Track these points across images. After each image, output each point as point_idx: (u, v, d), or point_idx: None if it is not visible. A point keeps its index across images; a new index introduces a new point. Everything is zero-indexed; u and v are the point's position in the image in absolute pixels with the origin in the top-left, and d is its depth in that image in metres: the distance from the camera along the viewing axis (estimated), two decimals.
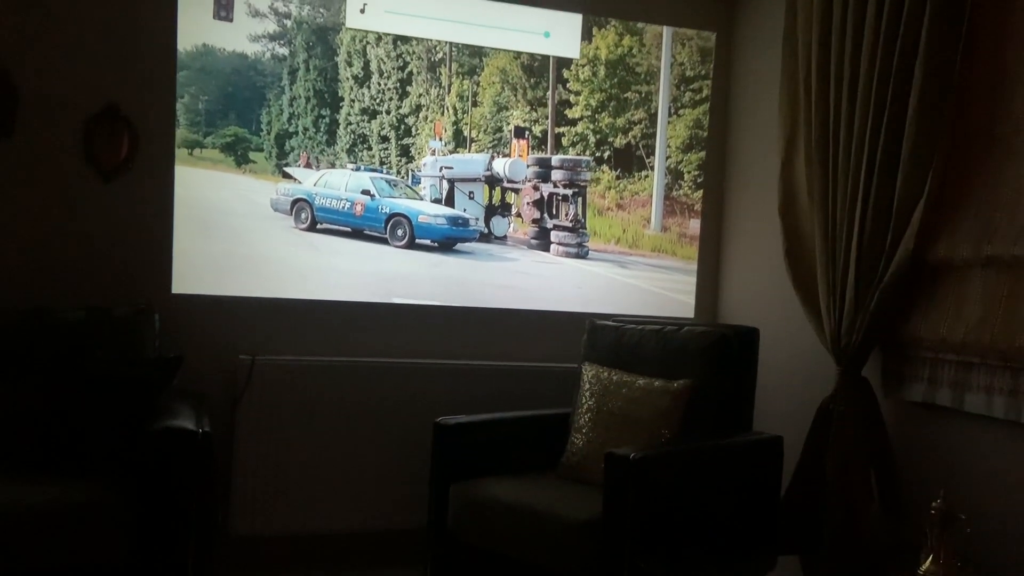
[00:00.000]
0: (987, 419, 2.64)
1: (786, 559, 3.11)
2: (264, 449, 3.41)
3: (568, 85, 3.95)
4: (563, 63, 3.94)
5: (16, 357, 2.87)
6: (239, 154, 3.66)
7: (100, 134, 3.33)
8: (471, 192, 3.89)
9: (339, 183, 3.78)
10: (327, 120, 3.76)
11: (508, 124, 3.92)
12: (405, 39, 3.80)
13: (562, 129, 3.96)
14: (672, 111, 4.05)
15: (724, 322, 3.99)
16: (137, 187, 3.39)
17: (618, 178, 4.02)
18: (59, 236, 3.31)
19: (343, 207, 3.79)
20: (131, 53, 3.37)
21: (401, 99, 3.82)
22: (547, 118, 3.95)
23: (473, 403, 3.37)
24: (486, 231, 3.92)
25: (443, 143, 3.86)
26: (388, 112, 3.82)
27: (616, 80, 4.00)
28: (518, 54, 3.89)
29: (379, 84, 3.81)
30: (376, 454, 3.54)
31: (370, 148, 3.82)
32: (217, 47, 3.59)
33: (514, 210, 3.95)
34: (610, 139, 4.00)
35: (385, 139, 3.83)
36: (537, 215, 3.95)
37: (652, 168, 4.05)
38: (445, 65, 3.86)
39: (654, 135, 4.04)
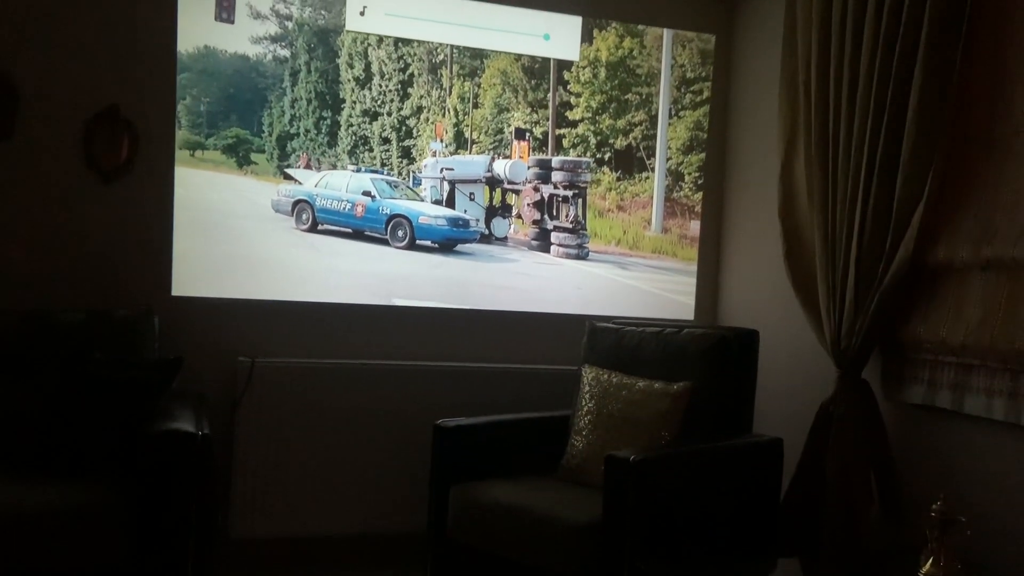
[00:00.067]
0: (987, 421, 2.64)
1: (786, 561, 3.11)
2: (264, 451, 3.42)
3: (569, 87, 3.95)
4: (564, 65, 3.94)
5: (16, 359, 2.88)
6: (240, 156, 3.67)
7: (100, 136, 3.34)
8: (472, 193, 3.89)
9: (340, 184, 3.79)
10: (328, 122, 3.76)
11: (509, 126, 3.92)
12: (406, 41, 3.80)
13: (563, 131, 3.96)
14: (673, 113, 4.05)
15: (724, 324, 3.99)
16: (137, 189, 3.40)
17: (619, 180, 4.02)
18: (59, 238, 3.32)
19: (344, 208, 3.79)
20: (131, 55, 3.38)
21: (402, 101, 3.83)
22: (548, 120, 3.95)
23: (473, 405, 3.37)
24: (487, 232, 3.92)
25: (444, 145, 3.86)
26: (389, 114, 3.82)
27: (617, 82, 4.00)
28: (519, 56, 3.89)
29: (380, 86, 3.81)
30: (376, 456, 3.54)
31: (371, 150, 3.82)
32: (219, 49, 3.59)
33: (514, 211, 3.95)
34: (611, 141, 4.00)
35: (386, 140, 3.83)
36: (537, 216, 3.95)
37: (653, 170, 4.05)
38: (446, 67, 3.86)
39: (655, 137, 4.04)
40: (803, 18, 3.19)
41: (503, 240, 3.94)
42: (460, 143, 3.88)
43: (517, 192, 3.94)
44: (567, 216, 3.96)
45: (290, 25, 3.67)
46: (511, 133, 3.92)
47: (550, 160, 3.94)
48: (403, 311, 3.74)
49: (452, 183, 3.87)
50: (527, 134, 3.92)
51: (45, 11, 3.29)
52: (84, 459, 2.72)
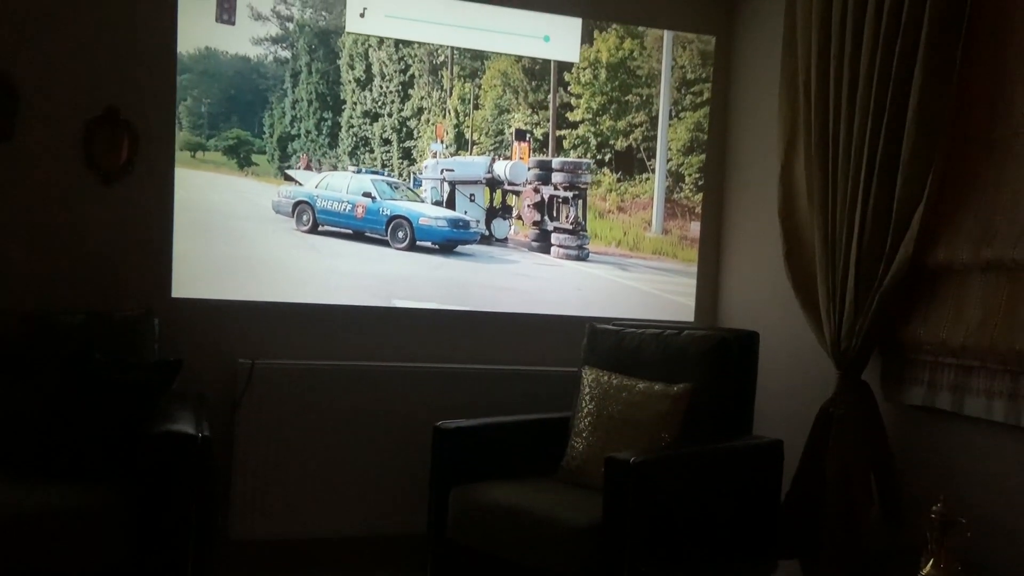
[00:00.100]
0: (987, 423, 2.64)
1: (786, 563, 3.10)
2: (264, 452, 3.42)
3: (569, 88, 3.95)
4: (564, 66, 3.94)
5: (16, 360, 2.88)
6: (241, 157, 3.67)
7: (100, 137, 3.34)
8: (472, 194, 3.89)
9: (340, 185, 3.79)
10: (329, 123, 3.77)
11: (509, 127, 3.92)
12: (407, 42, 3.80)
13: (563, 132, 3.96)
14: (673, 114, 4.05)
15: (724, 325, 3.99)
16: (137, 190, 3.40)
17: (619, 181, 4.02)
18: (59, 239, 3.32)
19: (344, 209, 3.79)
20: (132, 56, 3.38)
21: (403, 102, 3.83)
22: (548, 121, 3.95)
23: (473, 407, 3.37)
24: (487, 233, 3.92)
25: (444, 146, 3.86)
26: (390, 115, 3.82)
27: (617, 83, 4.00)
28: (519, 57, 3.89)
29: (381, 87, 3.81)
30: (376, 458, 3.54)
31: (372, 151, 3.82)
32: (220, 50, 3.60)
33: (515, 212, 3.95)
34: (611, 142, 4.00)
35: (387, 142, 3.83)
36: (538, 217, 3.95)
37: (653, 171, 4.05)
38: (447, 68, 3.86)
39: (655, 138, 4.03)
40: (803, 19, 3.19)
41: (503, 241, 3.94)
42: (461, 144, 3.88)
43: (517, 193, 3.94)
44: (567, 217, 3.96)
45: (291, 26, 3.67)
46: (511, 134, 3.92)
47: (550, 161, 3.94)
48: (403, 312, 3.74)
49: (452, 184, 3.87)
50: (527, 135, 3.93)
51: (46, 12, 3.29)
52: (84, 460, 2.72)
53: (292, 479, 3.46)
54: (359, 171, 3.80)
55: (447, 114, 3.87)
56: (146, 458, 2.62)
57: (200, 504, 2.67)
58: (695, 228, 4.07)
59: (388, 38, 3.78)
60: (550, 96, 3.94)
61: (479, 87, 3.89)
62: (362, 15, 3.68)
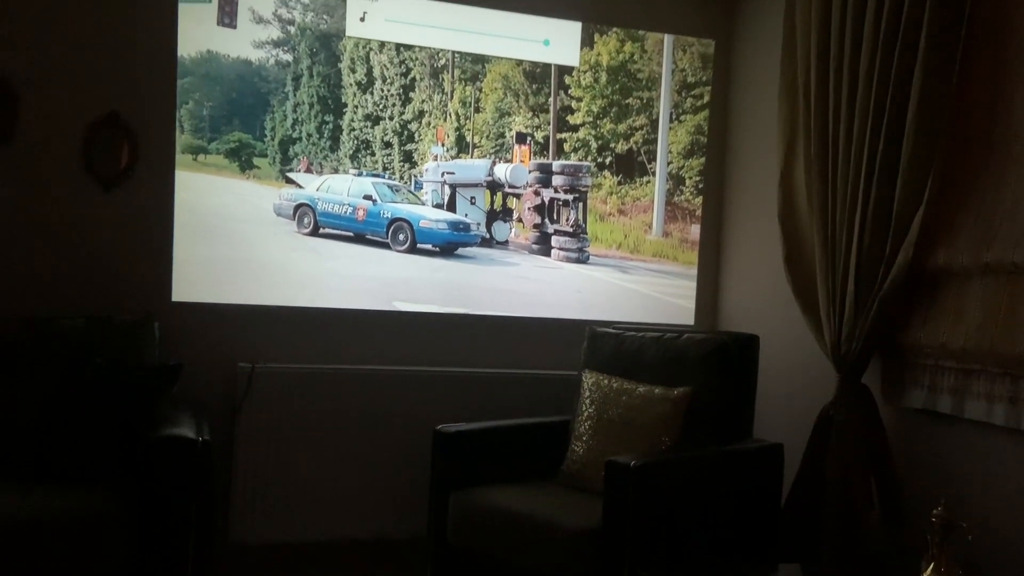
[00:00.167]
0: (987, 426, 2.64)
1: (787, 566, 3.10)
2: (264, 457, 3.42)
3: (570, 91, 3.95)
4: (565, 69, 3.94)
5: (16, 365, 2.87)
6: (243, 160, 3.67)
7: (100, 142, 3.34)
8: (473, 197, 3.90)
9: (342, 188, 3.79)
10: (331, 126, 3.77)
11: (510, 130, 3.93)
12: (408, 46, 3.80)
13: (564, 135, 3.96)
14: (674, 117, 4.05)
15: (724, 328, 3.99)
16: (137, 195, 3.40)
17: (620, 184, 4.02)
18: (59, 244, 3.32)
19: (345, 212, 3.79)
20: (132, 61, 3.39)
21: (404, 105, 3.83)
22: (549, 124, 3.95)
23: (473, 410, 3.38)
24: (488, 236, 3.92)
25: (445, 149, 3.86)
26: (391, 118, 3.83)
27: (618, 86, 4.01)
28: (520, 60, 3.89)
29: (382, 90, 3.82)
30: (376, 462, 3.54)
31: (373, 154, 3.83)
32: (221, 53, 3.60)
33: (515, 215, 3.96)
34: (612, 145, 4.00)
35: (388, 145, 3.83)
36: (538, 220, 3.96)
37: (654, 174, 4.05)
38: (448, 71, 3.86)
39: (656, 141, 4.03)
40: (802, 22, 3.19)
41: (504, 244, 3.94)
42: (462, 147, 3.89)
43: (518, 196, 3.94)
44: (568, 220, 3.96)
45: (292, 30, 3.68)
46: (512, 137, 3.93)
47: (550, 164, 3.94)
48: (403, 316, 3.74)
49: (453, 187, 3.87)
50: (528, 138, 3.93)
51: (46, 16, 3.29)
52: (84, 464, 2.72)
53: (292, 483, 3.46)
54: (360, 174, 3.81)
55: (448, 117, 3.87)
56: (146, 462, 2.62)
57: (200, 508, 2.67)
58: (696, 231, 4.07)
59: (389, 42, 3.78)
60: (551, 99, 3.95)
61: (480, 90, 3.89)
62: (362, 19, 3.68)
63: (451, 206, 3.88)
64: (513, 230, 3.96)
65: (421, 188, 3.86)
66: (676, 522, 2.78)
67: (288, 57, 3.68)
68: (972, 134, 2.73)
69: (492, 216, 3.93)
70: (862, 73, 2.90)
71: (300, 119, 3.73)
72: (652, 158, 4.04)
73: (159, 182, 3.42)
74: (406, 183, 3.86)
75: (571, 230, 3.97)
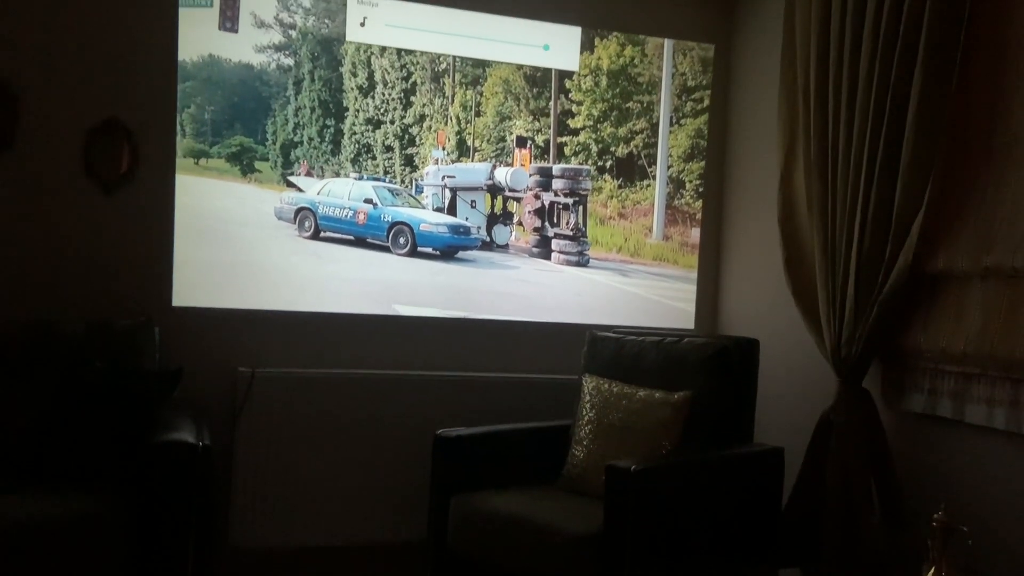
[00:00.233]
0: (988, 430, 2.64)
1: (787, 570, 3.10)
2: (264, 461, 3.42)
3: (570, 95, 3.96)
4: (565, 73, 3.94)
5: (16, 370, 2.87)
6: (245, 164, 3.68)
7: (101, 147, 3.35)
8: (473, 201, 3.90)
9: (342, 192, 3.80)
10: (332, 130, 3.77)
11: (511, 134, 3.93)
12: (409, 50, 3.81)
13: (564, 139, 3.96)
14: (674, 120, 4.05)
15: (724, 332, 3.99)
16: (138, 200, 3.40)
17: (620, 187, 4.02)
18: (59, 249, 3.32)
19: (346, 216, 3.80)
20: (132, 66, 3.39)
21: (405, 109, 3.83)
22: (549, 128, 3.95)
23: (474, 415, 3.37)
24: (488, 239, 3.92)
25: (446, 152, 3.87)
26: (392, 122, 3.83)
27: (618, 90, 4.01)
28: (521, 64, 3.89)
29: (383, 94, 3.82)
30: (376, 466, 3.54)
31: (374, 157, 3.83)
32: (223, 58, 3.61)
33: (516, 219, 3.96)
34: (612, 148, 4.01)
35: (389, 149, 3.84)
36: (538, 224, 3.96)
37: (654, 177, 4.05)
38: (448, 76, 3.87)
39: (656, 144, 4.04)
40: (802, 25, 3.19)
41: (504, 247, 3.95)
42: (463, 151, 3.89)
43: (518, 200, 3.94)
44: (568, 223, 3.96)
45: (294, 34, 3.68)
46: (513, 141, 3.93)
47: (550, 168, 3.94)
48: (403, 320, 3.75)
49: (454, 191, 3.88)
50: (529, 142, 3.93)
51: (47, 21, 3.30)
52: (84, 469, 2.72)
53: (292, 487, 3.46)
54: (361, 178, 3.81)
55: (449, 121, 3.87)
56: (146, 467, 2.62)
57: (200, 512, 2.67)
58: (696, 234, 4.07)
59: (389, 47, 3.79)
60: (551, 103, 3.95)
61: (481, 94, 3.89)
62: (362, 24, 3.68)
63: (452, 210, 3.88)
64: (513, 233, 3.96)
65: (422, 192, 3.86)
66: (677, 526, 2.78)
67: (289, 61, 3.69)
68: (972, 137, 2.73)
69: (492, 219, 3.94)
70: (862, 76, 2.90)
71: (301, 123, 3.73)
72: (652, 162, 4.04)
73: (159, 186, 3.42)
74: (407, 187, 3.87)
75: (571, 233, 3.97)
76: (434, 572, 3.11)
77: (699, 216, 4.07)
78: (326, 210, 3.77)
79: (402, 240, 3.82)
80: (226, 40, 3.57)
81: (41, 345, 2.97)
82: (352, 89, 3.79)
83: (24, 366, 2.89)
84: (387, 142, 3.83)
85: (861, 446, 2.91)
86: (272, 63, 3.67)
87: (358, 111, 3.80)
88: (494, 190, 3.92)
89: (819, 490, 2.99)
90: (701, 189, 4.07)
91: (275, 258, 3.69)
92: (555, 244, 3.97)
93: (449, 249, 3.87)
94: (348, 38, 3.70)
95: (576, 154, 3.97)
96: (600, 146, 3.99)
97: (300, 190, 3.74)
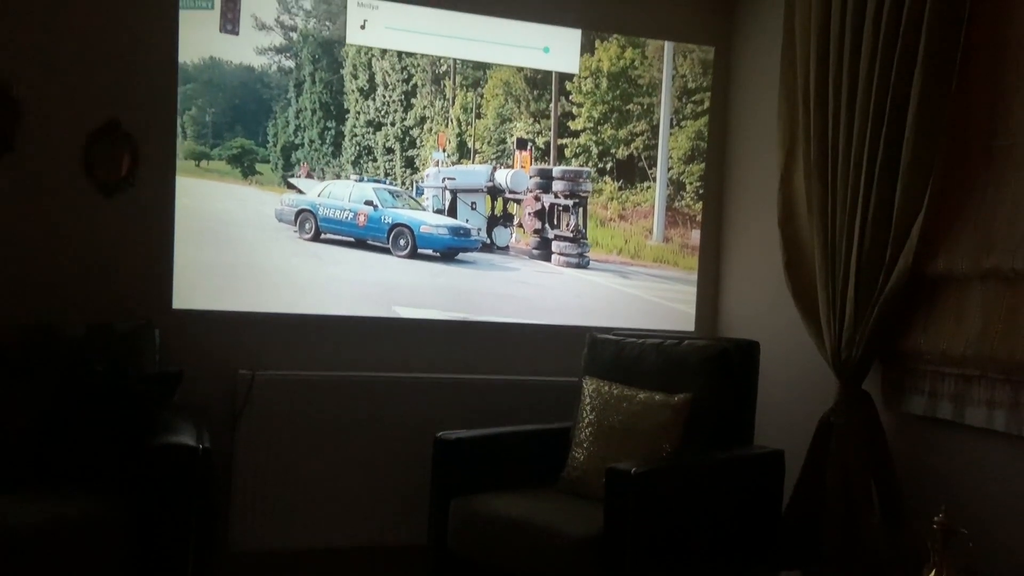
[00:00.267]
0: (988, 432, 2.63)
1: (788, 573, 3.09)
2: (264, 464, 3.42)
3: (571, 97, 3.96)
4: (566, 76, 3.94)
5: (17, 372, 2.87)
6: (245, 166, 3.68)
7: (101, 149, 3.35)
8: (473, 203, 3.90)
9: (343, 194, 3.80)
10: (333, 132, 3.77)
11: (511, 136, 3.93)
12: (410, 52, 3.81)
13: (565, 141, 3.96)
14: (674, 123, 4.05)
15: (725, 334, 3.99)
16: (138, 202, 3.41)
17: (620, 189, 4.02)
18: (60, 251, 3.33)
19: (346, 217, 3.80)
20: (133, 69, 3.40)
21: (406, 111, 3.84)
22: (550, 130, 3.96)
23: (474, 417, 3.37)
24: (488, 241, 3.92)
25: (446, 154, 3.87)
26: (393, 124, 3.83)
27: (618, 92, 4.01)
28: (521, 67, 3.90)
29: (384, 96, 3.82)
30: (376, 469, 3.54)
31: (375, 160, 3.83)
32: (224, 60, 3.61)
33: (516, 220, 3.96)
34: (612, 150, 4.01)
35: (390, 151, 3.84)
36: (538, 225, 3.96)
37: (654, 179, 4.05)
38: (449, 78, 3.87)
39: (656, 146, 4.04)
40: (801, 28, 3.19)
41: (504, 249, 3.95)
42: (463, 153, 3.89)
43: (518, 201, 3.94)
44: (568, 225, 3.97)
45: (294, 36, 3.68)
46: (513, 143, 3.93)
47: (551, 170, 3.94)
48: (403, 323, 3.75)
49: (454, 192, 3.88)
50: (529, 144, 3.93)
51: (47, 25, 3.30)
52: (84, 472, 2.72)
53: (293, 490, 3.46)
54: (361, 179, 3.81)
55: (449, 123, 3.87)
56: (146, 470, 2.62)
57: (200, 515, 2.67)
58: (696, 236, 4.07)
59: (389, 50, 3.79)
60: (552, 105, 3.95)
61: (481, 96, 3.89)
62: (362, 27, 3.69)
63: (452, 211, 3.88)
64: (514, 235, 3.96)
65: (422, 194, 3.86)
66: (677, 529, 2.78)
67: (290, 63, 3.69)
68: (972, 138, 2.73)
69: (493, 221, 3.94)
70: (862, 77, 2.90)
71: (302, 125, 3.73)
72: (653, 163, 4.04)
73: (160, 189, 3.43)
74: (407, 189, 3.87)
75: (571, 235, 3.97)
76: (434, 575, 3.11)
77: (699, 218, 4.07)
78: (327, 212, 3.77)
79: (402, 242, 3.82)
80: (227, 42, 3.57)
81: (41, 347, 2.97)
82: (353, 91, 3.79)
83: (24, 368, 2.88)
84: (388, 144, 3.83)
85: (861, 448, 2.90)
86: (273, 65, 3.67)
87: (359, 113, 3.81)
88: (494, 192, 3.92)
89: (819, 492, 2.99)
90: (701, 191, 4.07)
91: (276, 260, 3.70)
92: (555, 246, 3.97)
93: (449, 251, 3.87)
94: (348, 41, 3.71)
95: (576, 156, 3.97)
96: (600, 148, 3.99)
97: (300, 192, 3.74)
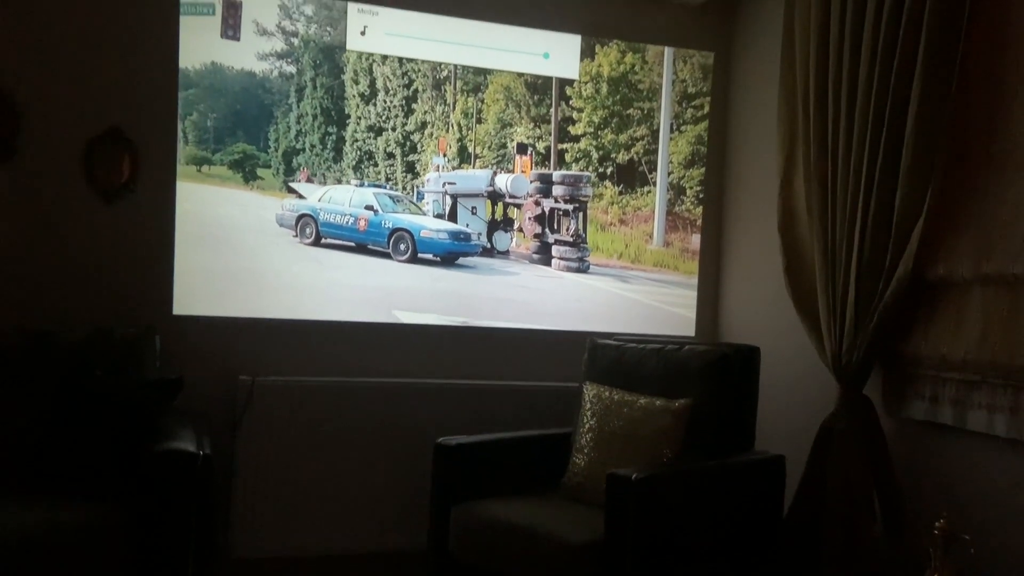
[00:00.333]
0: (989, 437, 2.63)
1: None
2: (265, 470, 3.43)
3: (571, 102, 3.96)
4: (566, 80, 3.95)
5: (17, 378, 2.88)
6: (247, 171, 3.69)
7: (102, 156, 3.36)
8: (474, 207, 3.91)
9: (343, 199, 3.81)
10: (334, 137, 3.78)
11: (512, 140, 3.93)
12: (410, 57, 3.82)
13: (565, 145, 3.97)
14: (674, 127, 4.05)
15: (725, 339, 3.99)
16: (138, 209, 3.42)
17: (621, 194, 4.03)
18: (60, 257, 3.34)
19: (347, 222, 3.81)
20: (134, 75, 3.41)
21: (406, 116, 3.84)
22: (550, 134, 3.96)
23: (474, 423, 3.37)
24: (488, 246, 3.93)
25: (447, 159, 3.87)
26: (394, 129, 3.84)
27: (618, 97, 4.01)
28: (522, 72, 3.90)
29: (385, 102, 3.83)
30: (377, 475, 3.54)
31: (376, 164, 3.84)
32: (225, 65, 3.62)
33: (516, 225, 3.96)
34: (612, 155, 4.01)
35: (391, 155, 3.84)
36: (539, 230, 3.96)
37: (654, 184, 4.05)
38: (450, 83, 3.87)
39: (656, 151, 4.04)
40: (801, 33, 3.19)
41: (504, 253, 3.95)
42: (464, 158, 3.90)
43: (519, 206, 3.95)
44: (568, 230, 3.97)
45: (296, 42, 3.69)
46: (514, 148, 3.93)
47: (551, 174, 3.95)
48: (404, 328, 3.75)
49: (454, 197, 3.88)
50: (529, 149, 3.94)
51: (48, 31, 3.31)
52: (84, 478, 2.71)
53: (293, 496, 3.46)
54: (361, 184, 3.82)
55: (450, 128, 3.88)
56: (147, 476, 2.62)
57: (201, 522, 2.67)
58: (696, 240, 4.07)
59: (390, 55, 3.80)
60: (552, 110, 3.95)
61: (482, 101, 3.90)
62: (363, 33, 3.69)
63: (452, 216, 3.89)
64: (514, 240, 3.96)
65: (423, 198, 3.87)
66: (678, 535, 2.77)
67: (292, 69, 3.70)
68: (971, 143, 2.72)
69: (493, 226, 3.94)
70: (861, 80, 2.90)
71: (303, 130, 3.74)
72: (653, 168, 4.05)
73: (160, 195, 3.44)
74: (408, 193, 3.87)
75: (571, 240, 3.97)
76: None
77: (700, 222, 4.07)
78: (327, 217, 3.78)
79: (403, 246, 3.83)
80: (228, 48, 3.58)
81: (42, 353, 2.97)
82: (354, 96, 3.80)
83: (25, 374, 2.89)
84: (389, 149, 3.84)
85: (862, 453, 2.90)
86: (274, 70, 3.68)
87: (360, 118, 3.81)
88: (495, 196, 3.93)
89: (820, 497, 2.98)
90: (701, 195, 4.07)
91: (276, 265, 3.70)
92: (555, 250, 3.98)
93: (450, 255, 3.88)
94: (349, 47, 3.71)
95: (577, 161, 3.97)
96: (601, 153, 3.99)
97: (301, 196, 3.75)
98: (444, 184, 3.87)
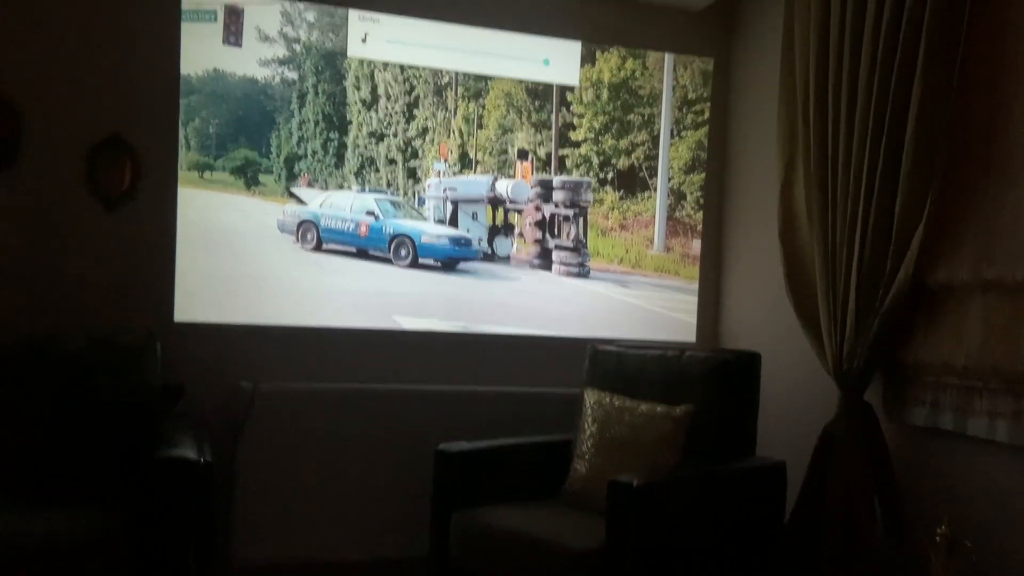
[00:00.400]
0: (990, 443, 2.63)
1: None
2: (266, 477, 3.42)
3: (572, 108, 3.97)
4: (567, 86, 3.95)
5: (18, 385, 2.88)
6: (249, 177, 3.69)
7: (103, 163, 3.36)
8: (475, 213, 3.91)
9: (344, 204, 3.81)
10: (336, 143, 3.79)
11: (512, 146, 3.94)
12: (411, 64, 3.83)
13: (566, 151, 3.97)
14: (675, 133, 4.06)
15: (726, 344, 3.99)
16: (140, 216, 3.41)
17: (621, 199, 4.03)
18: (62, 264, 3.34)
19: (348, 228, 3.81)
20: (135, 82, 3.41)
21: (408, 122, 3.85)
22: (551, 140, 3.96)
23: (475, 429, 3.35)
24: (489, 251, 3.93)
25: (448, 165, 3.88)
26: (395, 135, 3.85)
27: (619, 102, 4.02)
28: (522, 78, 3.91)
29: (387, 108, 3.84)
30: (378, 481, 3.54)
31: (378, 170, 3.84)
32: (227, 72, 3.63)
33: (517, 230, 3.97)
34: (613, 161, 4.01)
35: (392, 161, 3.85)
36: (539, 235, 3.97)
37: (655, 189, 4.06)
38: (451, 89, 3.88)
39: (657, 156, 4.04)
40: (800, 38, 3.20)
41: (505, 259, 3.96)
42: (465, 163, 3.90)
43: (519, 212, 3.95)
44: (568, 235, 3.97)
45: (298, 48, 3.70)
46: (514, 153, 3.94)
47: (551, 180, 3.95)
48: (405, 335, 3.75)
49: (455, 203, 3.89)
50: (530, 154, 3.94)
51: (49, 38, 3.32)
52: (85, 486, 2.71)
53: (294, 503, 3.45)
54: (362, 190, 3.83)
55: (451, 134, 3.89)
56: (148, 483, 2.61)
57: (202, 529, 2.67)
58: (697, 246, 4.07)
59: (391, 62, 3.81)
60: (553, 116, 3.96)
61: (483, 107, 3.90)
62: (364, 40, 3.70)
63: (453, 221, 3.89)
64: (514, 245, 3.97)
65: (424, 204, 3.87)
66: (679, 541, 2.77)
67: (293, 75, 3.71)
68: (971, 148, 2.72)
69: (494, 231, 3.95)
70: (861, 86, 2.90)
71: (305, 136, 3.75)
72: (653, 173, 4.05)
73: (162, 202, 3.44)
74: (409, 199, 3.88)
75: (572, 245, 3.98)
76: None
77: (700, 228, 4.07)
78: (328, 222, 3.79)
79: (404, 252, 3.83)
80: (230, 54, 3.59)
81: (43, 360, 2.97)
82: (356, 102, 3.81)
83: (26, 381, 2.89)
84: (390, 155, 3.84)
85: (863, 459, 2.90)
86: (276, 77, 3.69)
87: (361, 124, 3.82)
88: (495, 202, 3.93)
89: (822, 504, 2.98)
90: (702, 201, 4.07)
91: (278, 270, 3.71)
92: (556, 256, 3.98)
93: (450, 261, 3.88)
94: (350, 54, 3.72)
95: (577, 166, 3.98)
96: (601, 158, 4.00)
97: (302, 201, 3.75)
98: (445, 190, 3.88)
